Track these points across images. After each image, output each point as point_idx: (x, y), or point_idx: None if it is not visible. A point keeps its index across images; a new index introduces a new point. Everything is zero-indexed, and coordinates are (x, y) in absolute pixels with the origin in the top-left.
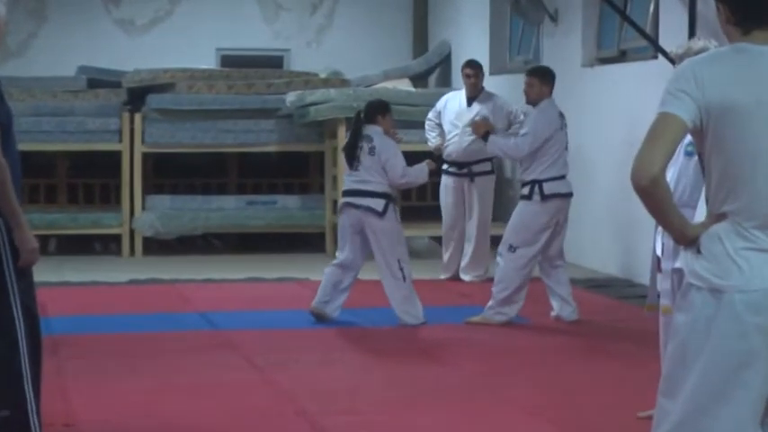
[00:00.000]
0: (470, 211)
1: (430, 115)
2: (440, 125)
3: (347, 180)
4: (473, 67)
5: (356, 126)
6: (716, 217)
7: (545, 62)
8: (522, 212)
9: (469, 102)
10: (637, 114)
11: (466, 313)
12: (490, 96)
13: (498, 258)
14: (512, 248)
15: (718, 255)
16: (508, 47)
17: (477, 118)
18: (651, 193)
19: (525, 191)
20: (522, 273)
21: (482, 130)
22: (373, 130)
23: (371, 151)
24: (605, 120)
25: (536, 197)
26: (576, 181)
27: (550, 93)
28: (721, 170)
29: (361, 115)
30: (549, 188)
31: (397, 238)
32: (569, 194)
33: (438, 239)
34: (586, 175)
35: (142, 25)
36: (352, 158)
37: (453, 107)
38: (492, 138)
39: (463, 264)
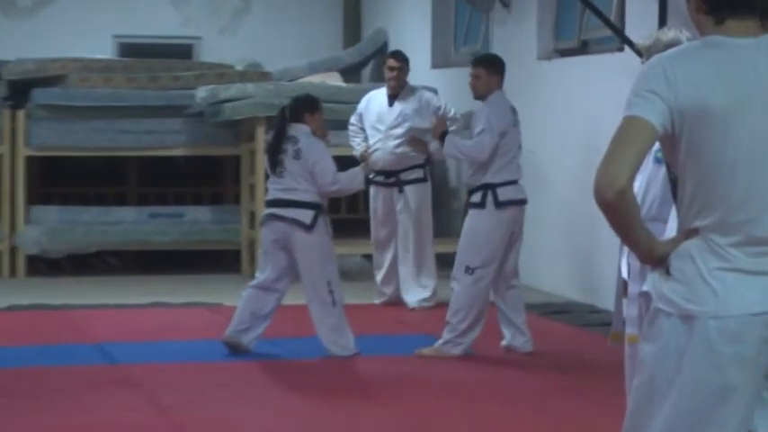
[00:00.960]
0: (403, 225)
1: (352, 119)
2: (363, 129)
3: (270, 188)
4: (397, 58)
5: (280, 125)
6: (687, 233)
7: (496, 52)
8: (475, 224)
9: (391, 100)
10: (600, 114)
11: (404, 343)
12: (414, 91)
13: (454, 284)
14: (469, 270)
15: (689, 276)
16: (453, 37)
17: (433, 119)
18: (616, 207)
19: (476, 198)
20: (483, 297)
21: (439, 129)
22: (300, 131)
23: (297, 154)
24: (563, 120)
25: (489, 205)
26: (530, 190)
27: (500, 85)
28: (696, 181)
29: (286, 113)
30: (503, 194)
31: (327, 256)
32: (524, 201)
33: (370, 258)
34: (541, 184)
35: (26, 7)
36: (276, 163)
37: (374, 108)
38: (450, 138)
39: (404, 286)
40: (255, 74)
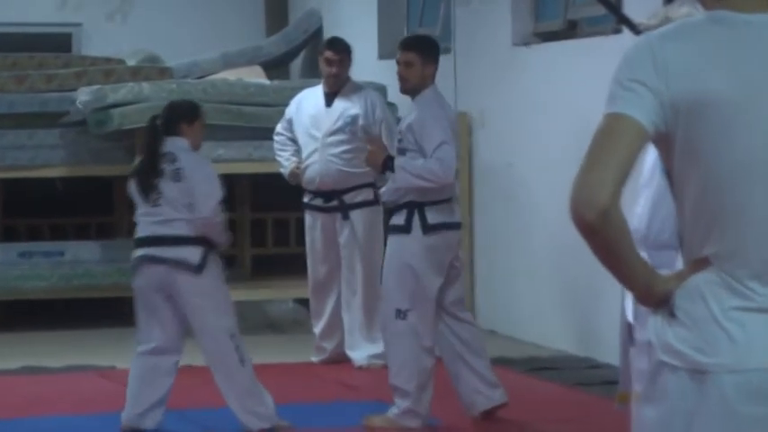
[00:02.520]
0: (349, 260)
1: (279, 127)
2: (293, 140)
3: (142, 222)
4: (337, 49)
5: (151, 140)
6: (695, 264)
7: (460, 39)
8: (400, 254)
9: (329, 99)
10: (593, 113)
11: (351, 411)
12: (358, 89)
13: (384, 335)
14: (400, 314)
15: (699, 319)
16: (406, 19)
17: (366, 140)
18: (598, 231)
19: (398, 220)
20: (426, 344)
21: (379, 157)
22: (177, 145)
23: (177, 176)
24: (548, 122)
25: (416, 229)
26: (507, 213)
27: (434, 77)
28: (698, 194)
29: (158, 123)
30: (432, 216)
31: (223, 303)
32: (458, 225)
33: (306, 303)
34: (521, 205)
35: None
36: (150, 188)
37: (308, 110)
38: (399, 162)
39: (350, 339)
40: (153, 70)
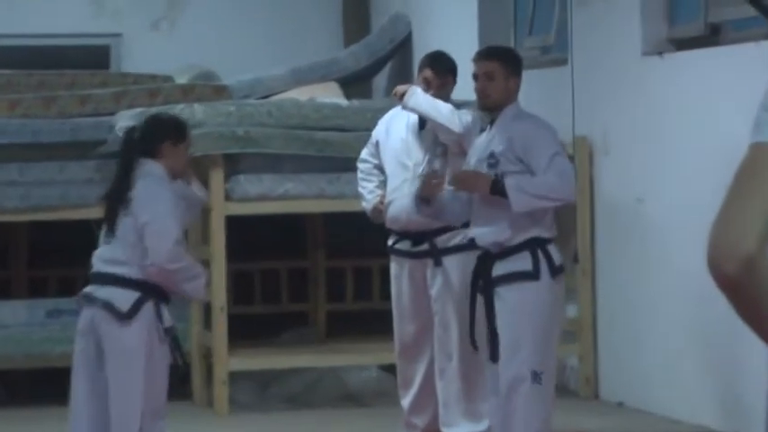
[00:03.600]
0: (442, 317)
1: (363, 153)
2: (380, 168)
3: (95, 255)
4: (438, 68)
5: (124, 158)
6: None
7: (578, 48)
8: (532, 305)
9: (424, 121)
10: (741, 137)
11: None
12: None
13: (517, 400)
14: (537, 377)
15: None
16: (512, 25)
17: (435, 166)
18: (742, 286)
19: (520, 264)
20: (551, 412)
21: (481, 180)
22: (147, 170)
23: (127, 207)
24: (685, 149)
25: (545, 274)
26: (635, 260)
27: (517, 94)
28: None
29: (135, 141)
30: (556, 255)
31: (142, 371)
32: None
33: (392, 370)
34: (652, 250)
35: None
36: (109, 218)
37: (398, 133)
38: (510, 183)
39: (446, 414)
40: (207, 89)
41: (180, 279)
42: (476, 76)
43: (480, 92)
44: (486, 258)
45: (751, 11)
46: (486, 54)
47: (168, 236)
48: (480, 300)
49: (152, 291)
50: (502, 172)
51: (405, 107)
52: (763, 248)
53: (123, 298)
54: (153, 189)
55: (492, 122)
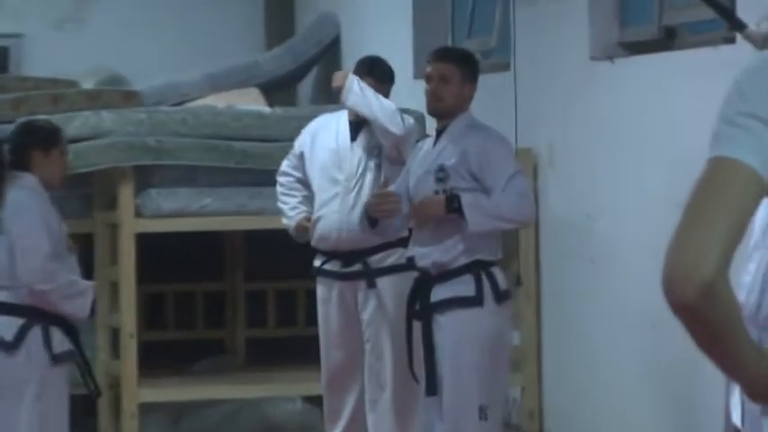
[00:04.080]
0: (375, 344)
1: (284, 165)
2: (304, 182)
3: None
4: (376, 72)
5: None
6: None
7: (522, 51)
8: (475, 333)
9: (355, 131)
10: (698, 149)
11: None
12: None
13: None
14: (483, 414)
15: None
16: (450, 26)
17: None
18: (699, 312)
19: (463, 288)
20: None
21: (435, 204)
22: (19, 183)
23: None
24: (638, 162)
25: (489, 300)
26: (585, 283)
27: (470, 102)
28: None
29: (5, 152)
30: (501, 279)
31: (26, 398)
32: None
33: (319, 401)
34: (603, 272)
35: None
36: None
37: (327, 143)
38: (467, 201)
39: None
40: (115, 95)
41: (57, 299)
42: (428, 78)
43: (432, 94)
44: (425, 281)
45: (709, 13)
46: (444, 55)
47: (37, 252)
48: (417, 326)
49: (39, 315)
50: (451, 187)
51: (344, 104)
52: (724, 272)
53: (5, 326)
54: (22, 202)
55: (440, 131)
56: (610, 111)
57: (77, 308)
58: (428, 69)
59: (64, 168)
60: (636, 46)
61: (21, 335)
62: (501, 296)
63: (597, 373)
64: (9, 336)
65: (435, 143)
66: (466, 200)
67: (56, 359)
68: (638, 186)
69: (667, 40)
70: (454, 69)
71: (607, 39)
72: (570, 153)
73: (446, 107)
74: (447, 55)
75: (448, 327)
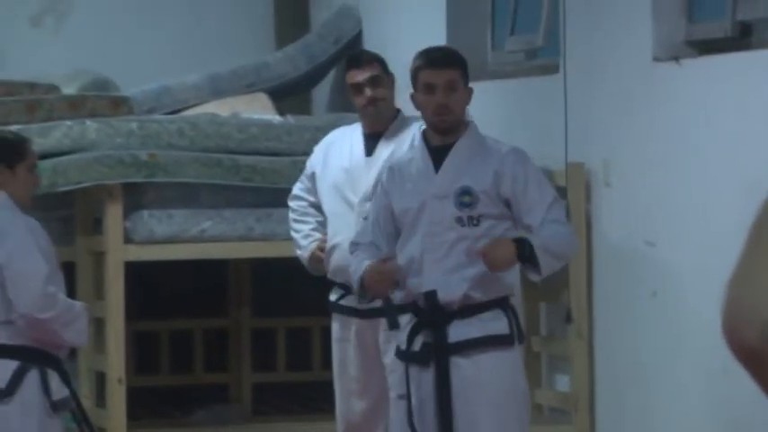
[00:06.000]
0: None
1: (296, 188)
2: (318, 206)
3: None
4: (360, 63)
5: None
6: None
7: (573, 52)
8: (511, 375)
9: (370, 144)
10: None
11: None
12: (409, 126)
13: None
14: None
15: None
16: (490, 20)
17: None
18: (764, 355)
19: (494, 326)
20: None
21: (507, 248)
22: None
23: None
24: (708, 179)
25: (515, 339)
26: (644, 319)
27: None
28: None
29: None
30: (520, 315)
31: None
32: None
33: None
34: (665, 306)
35: None
36: None
37: (341, 161)
38: (537, 242)
39: None
40: (103, 101)
41: (59, 326)
42: (430, 87)
43: (442, 108)
44: (437, 318)
45: None
46: (449, 60)
47: (35, 276)
48: (425, 371)
49: (34, 356)
50: (479, 215)
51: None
52: None
53: None
54: (13, 222)
55: (440, 147)
56: (675, 120)
57: (77, 334)
58: (429, 77)
59: (32, 186)
60: (706, 45)
61: (15, 380)
62: (522, 336)
63: (658, 426)
64: (2, 382)
65: (436, 161)
66: (536, 243)
67: (54, 407)
68: (706, 208)
69: (743, 37)
70: (459, 75)
71: (673, 36)
72: (628, 169)
73: (456, 119)
74: (452, 59)
75: (473, 370)
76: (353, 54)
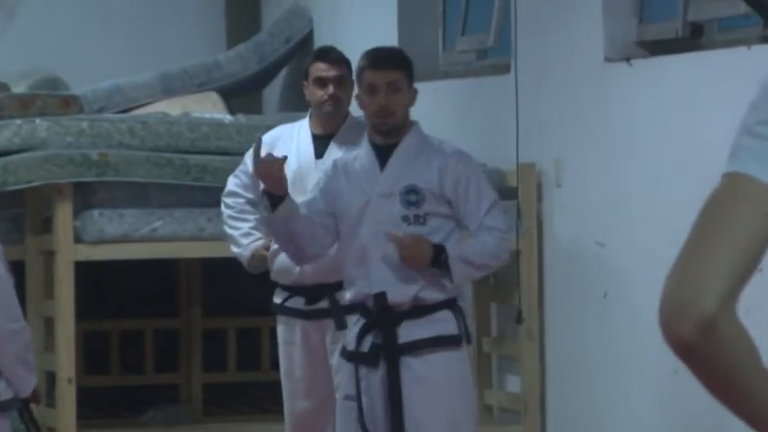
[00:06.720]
0: None
1: (232, 184)
2: (255, 204)
3: None
4: (331, 58)
5: None
6: None
7: (524, 52)
8: (461, 376)
9: (321, 145)
10: (724, 165)
11: None
12: (362, 130)
13: None
14: None
15: None
16: (441, 20)
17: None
18: (700, 352)
19: (442, 327)
20: None
21: (423, 251)
22: None
23: None
24: (658, 180)
25: (464, 339)
26: (594, 320)
27: None
28: None
29: None
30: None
31: None
32: None
33: None
34: (616, 307)
35: None
36: None
37: (288, 159)
38: (452, 251)
39: None
40: (52, 100)
41: (19, 350)
42: (372, 88)
43: (384, 109)
44: (387, 318)
45: (742, 7)
46: (391, 60)
47: (3, 284)
48: (374, 372)
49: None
50: (425, 213)
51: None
52: (728, 306)
53: None
54: None
55: (384, 147)
56: (626, 120)
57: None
58: (371, 78)
59: None
60: (657, 45)
61: None
62: (470, 337)
63: (608, 427)
64: None
65: (381, 159)
66: (453, 254)
67: (2, 408)
68: (657, 209)
69: (694, 38)
70: (403, 76)
71: (624, 37)
72: (580, 170)
73: (399, 121)
74: (395, 60)
75: (424, 370)
76: (325, 48)
